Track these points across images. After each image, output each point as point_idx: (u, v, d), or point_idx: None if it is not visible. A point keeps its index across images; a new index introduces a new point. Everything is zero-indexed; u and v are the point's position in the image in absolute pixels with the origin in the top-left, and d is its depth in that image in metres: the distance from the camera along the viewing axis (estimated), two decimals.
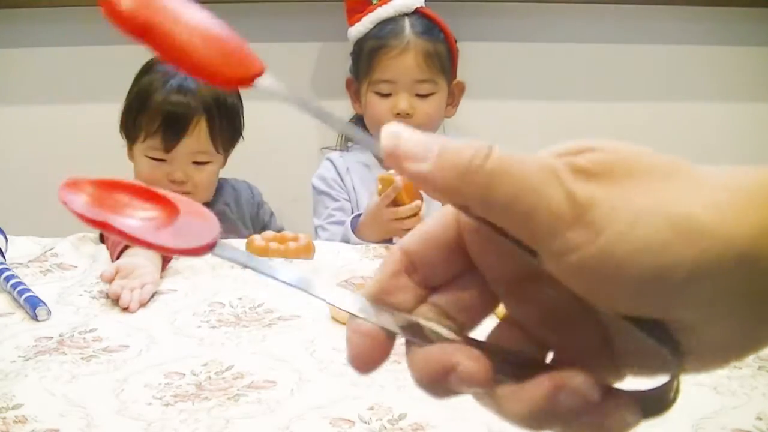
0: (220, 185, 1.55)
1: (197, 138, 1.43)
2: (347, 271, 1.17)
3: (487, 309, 0.31)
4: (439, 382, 0.29)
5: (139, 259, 1.09)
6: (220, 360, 0.88)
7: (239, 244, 1.23)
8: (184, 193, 1.42)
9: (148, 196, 0.32)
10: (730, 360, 0.28)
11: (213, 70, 0.30)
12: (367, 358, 0.31)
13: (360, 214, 1.42)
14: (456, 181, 0.26)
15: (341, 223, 1.51)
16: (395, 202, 1.32)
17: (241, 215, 1.56)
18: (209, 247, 0.31)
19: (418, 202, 1.32)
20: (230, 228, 1.48)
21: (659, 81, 1.94)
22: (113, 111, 1.89)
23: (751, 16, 1.88)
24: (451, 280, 0.31)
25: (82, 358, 0.89)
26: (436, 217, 0.31)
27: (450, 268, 0.31)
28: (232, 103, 1.48)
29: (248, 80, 0.30)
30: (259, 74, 0.30)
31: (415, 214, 1.32)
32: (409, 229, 1.33)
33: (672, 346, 0.28)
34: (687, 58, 1.93)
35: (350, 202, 1.60)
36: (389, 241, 1.36)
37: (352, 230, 1.42)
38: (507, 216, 0.26)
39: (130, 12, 0.31)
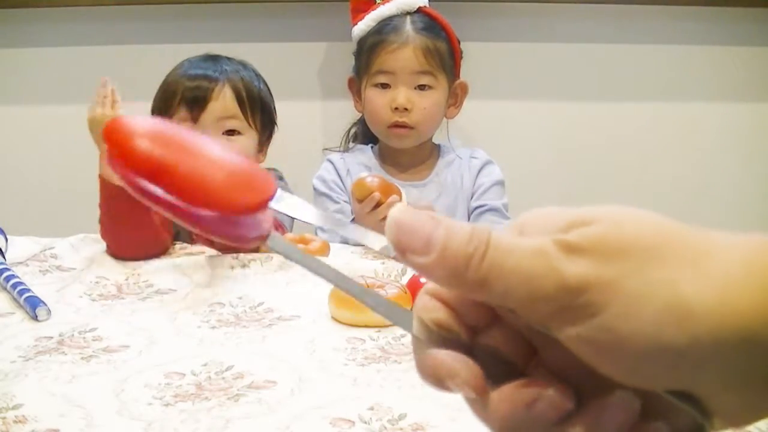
0: None
1: (223, 101, 1.38)
2: (347, 271, 1.17)
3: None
4: (440, 384, 0.30)
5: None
6: (220, 360, 0.88)
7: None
8: None
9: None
10: (756, 419, 0.28)
11: (229, 202, 0.31)
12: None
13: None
14: (454, 279, 0.27)
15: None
16: (378, 203, 1.33)
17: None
18: (263, 238, 0.32)
19: (393, 197, 1.32)
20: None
21: (659, 81, 1.94)
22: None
23: (751, 16, 1.88)
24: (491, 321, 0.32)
25: (82, 358, 0.89)
26: None
27: (481, 314, 0.32)
28: (260, 88, 1.45)
29: (263, 204, 0.31)
30: (271, 197, 0.31)
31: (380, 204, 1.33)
32: (383, 221, 1.32)
33: (700, 407, 0.28)
34: (687, 58, 1.93)
35: (350, 203, 1.60)
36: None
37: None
38: (505, 303, 0.28)
39: (145, 153, 0.30)
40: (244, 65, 1.47)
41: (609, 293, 0.26)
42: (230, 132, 1.40)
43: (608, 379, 0.29)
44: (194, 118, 1.38)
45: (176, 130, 0.32)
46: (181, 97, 1.38)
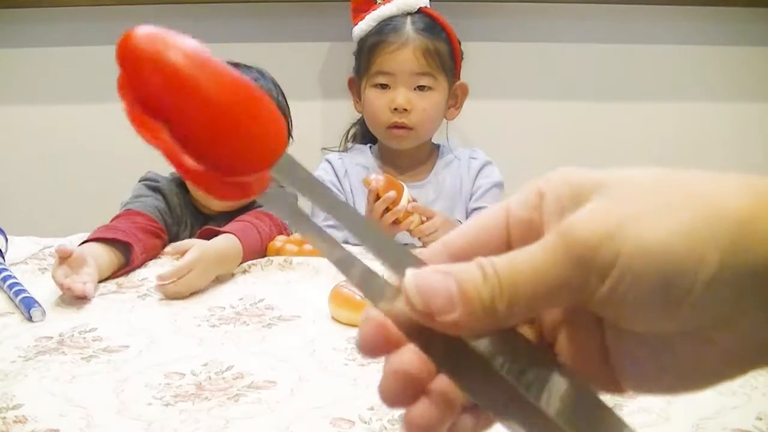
0: None
1: None
2: None
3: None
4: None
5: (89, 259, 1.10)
6: (220, 360, 0.88)
7: None
8: None
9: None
10: (739, 372, 0.28)
11: (229, 165, 0.29)
12: (374, 345, 0.31)
13: None
14: (486, 319, 0.27)
15: (338, 227, 1.51)
16: (379, 196, 1.34)
17: None
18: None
19: (391, 193, 1.32)
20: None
21: (659, 81, 1.94)
22: (113, 111, 1.89)
23: (751, 16, 1.88)
24: None
25: (82, 358, 0.89)
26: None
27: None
28: (278, 99, 1.45)
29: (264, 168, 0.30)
30: (274, 162, 0.30)
31: (389, 208, 1.33)
32: (394, 223, 1.32)
33: None
34: (687, 58, 1.93)
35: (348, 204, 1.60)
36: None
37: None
38: (539, 310, 0.29)
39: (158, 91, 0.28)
40: (262, 74, 1.47)
41: (618, 239, 0.26)
42: None
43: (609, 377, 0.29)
44: None
45: (196, 60, 0.30)
46: None
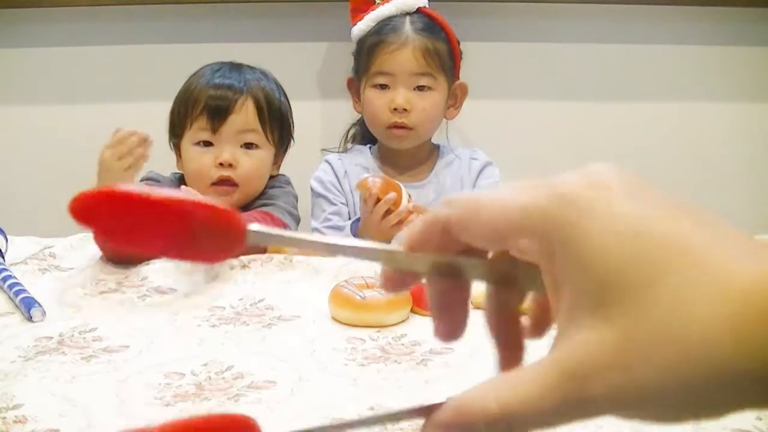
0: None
1: (245, 116, 1.38)
2: (347, 271, 1.17)
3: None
4: None
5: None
6: (220, 360, 0.88)
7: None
8: (231, 185, 1.39)
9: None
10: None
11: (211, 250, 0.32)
12: (396, 282, 0.33)
13: (359, 219, 1.43)
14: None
15: (338, 227, 1.52)
16: (379, 199, 1.33)
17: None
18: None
19: (391, 194, 1.32)
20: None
21: (659, 81, 1.94)
22: (113, 111, 1.90)
23: (751, 16, 1.89)
24: None
25: (82, 358, 0.89)
26: None
27: None
28: (281, 101, 1.46)
29: (240, 237, 0.31)
30: (245, 227, 0.31)
31: (390, 210, 1.33)
32: (397, 223, 1.32)
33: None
34: (687, 58, 1.93)
35: (347, 205, 1.60)
36: (388, 242, 1.36)
37: (353, 235, 1.42)
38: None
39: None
40: (265, 75, 1.47)
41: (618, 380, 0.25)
42: (248, 145, 1.40)
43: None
44: (214, 129, 1.38)
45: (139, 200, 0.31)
46: (204, 106, 1.38)
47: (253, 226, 0.32)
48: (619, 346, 0.24)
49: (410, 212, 1.33)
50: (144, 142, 1.15)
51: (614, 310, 0.25)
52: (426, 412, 0.29)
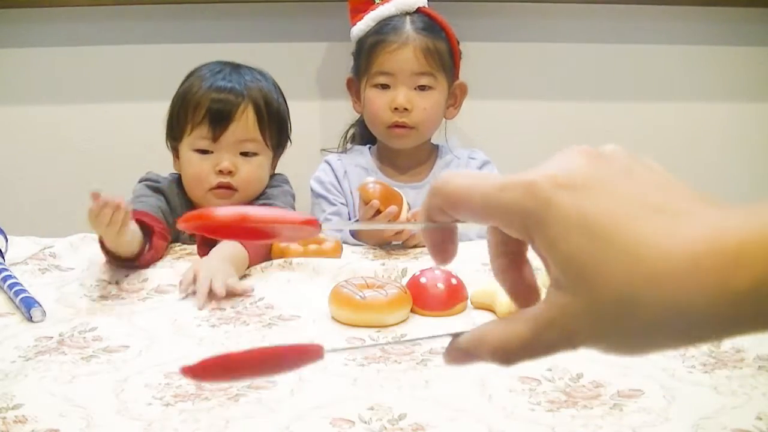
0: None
1: (245, 124, 1.38)
2: (348, 270, 1.17)
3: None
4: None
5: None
6: None
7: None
8: (231, 189, 1.39)
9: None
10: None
11: None
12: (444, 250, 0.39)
13: (358, 221, 1.42)
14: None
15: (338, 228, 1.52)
16: (379, 211, 1.32)
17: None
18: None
19: (392, 208, 1.31)
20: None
21: (659, 81, 1.94)
22: (113, 111, 1.90)
23: (751, 16, 1.89)
24: None
25: (82, 358, 0.89)
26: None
27: None
28: (279, 102, 1.45)
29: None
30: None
31: (391, 220, 1.32)
32: (394, 236, 1.31)
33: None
34: (687, 58, 1.93)
35: (347, 205, 1.59)
36: (388, 244, 1.36)
37: (352, 235, 1.43)
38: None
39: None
40: (263, 75, 1.46)
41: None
42: (247, 154, 1.40)
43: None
44: (214, 138, 1.38)
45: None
46: (206, 111, 1.37)
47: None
48: (583, 312, 0.32)
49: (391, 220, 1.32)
50: (118, 209, 1.11)
51: (574, 287, 0.32)
52: (453, 336, 0.37)
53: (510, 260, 0.38)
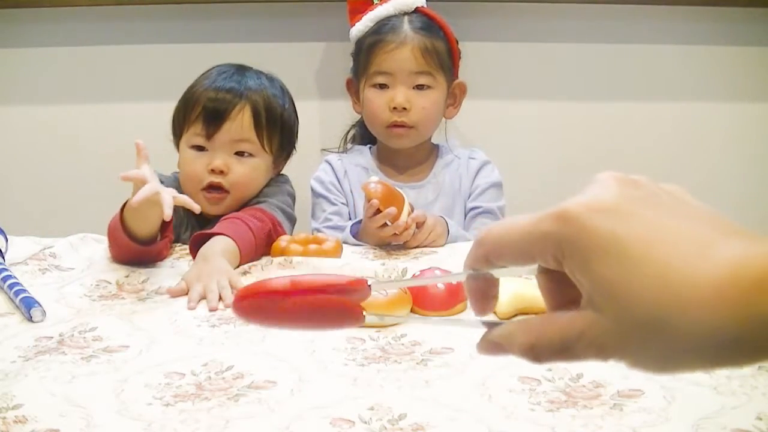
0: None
1: (240, 124, 1.38)
2: (348, 270, 1.17)
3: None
4: None
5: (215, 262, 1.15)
6: (220, 360, 0.88)
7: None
8: (222, 191, 1.39)
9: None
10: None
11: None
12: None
13: (360, 221, 1.42)
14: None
15: (338, 227, 1.51)
16: (379, 210, 1.32)
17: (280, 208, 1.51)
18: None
19: (391, 209, 1.31)
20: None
21: (660, 81, 1.94)
22: (113, 111, 1.90)
23: (751, 16, 1.89)
24: None
25: (82, 358, 0.89)
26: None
27: None
28: (283, 107, 1.45)
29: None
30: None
31: (390, 220, 1.32)
32: (393, 237, 1.31)
33: None
34: (688, 58, 1.93)
35: (348, 205, 1.59)
36: (387, 244, 1.36)
37: (353, 236, 1.42)
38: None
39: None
40: (271, 80, 1.46)
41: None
42: (241, 152, 1.40)
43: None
44: (208, 136, 1.38)
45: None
46: (201, 109, 1.38)
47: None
48: (612, 329, 0.34)
49: (407, 227, 1.32)
50: (157, 195, 1.14)
51: (605, 306, 0.34)
52: (489, 326, 0.39)
53: (558, 284, 0.39)
